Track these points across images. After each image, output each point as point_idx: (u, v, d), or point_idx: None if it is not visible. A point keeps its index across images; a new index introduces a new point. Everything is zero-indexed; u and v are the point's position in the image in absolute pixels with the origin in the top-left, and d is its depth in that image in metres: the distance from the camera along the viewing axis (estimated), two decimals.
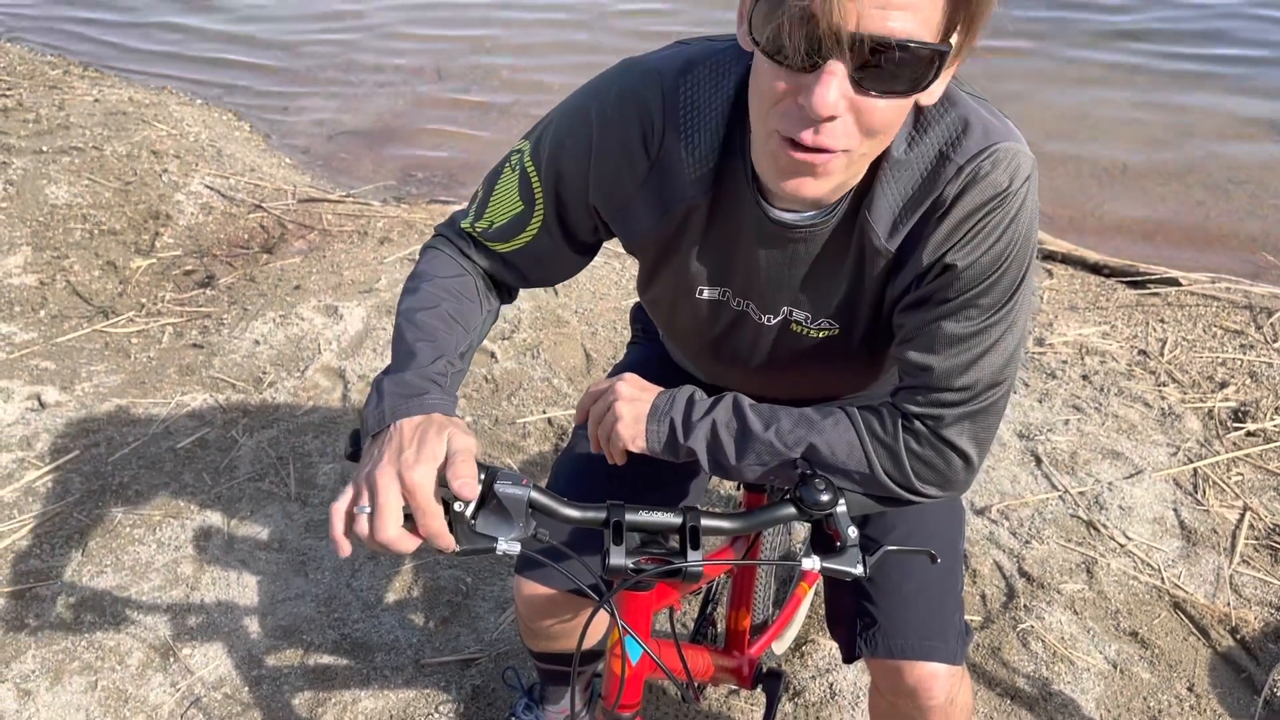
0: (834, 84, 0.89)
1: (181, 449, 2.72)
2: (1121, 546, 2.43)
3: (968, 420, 1.12)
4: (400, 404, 1.04)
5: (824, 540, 1.10)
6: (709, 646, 1.81)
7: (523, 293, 3.40)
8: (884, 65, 0.88)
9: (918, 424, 1.12)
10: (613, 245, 3.76)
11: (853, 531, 1.07)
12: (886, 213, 1.08)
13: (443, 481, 0.96)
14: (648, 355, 1.62)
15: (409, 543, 0.96)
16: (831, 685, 2.08)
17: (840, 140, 0.94)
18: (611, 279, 3.60)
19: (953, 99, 1.05)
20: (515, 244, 1.25)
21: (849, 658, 1.41)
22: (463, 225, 1.28)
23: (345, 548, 0.97)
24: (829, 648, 2.16)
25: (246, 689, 2.09)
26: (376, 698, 2.08)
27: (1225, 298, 3.45)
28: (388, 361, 1.24)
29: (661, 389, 1.20)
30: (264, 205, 4.17)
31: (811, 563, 1.06)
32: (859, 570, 1.07)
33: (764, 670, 1.77)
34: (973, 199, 1.04)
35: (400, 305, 1.21)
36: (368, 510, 0.94)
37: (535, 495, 1.02)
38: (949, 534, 1.43)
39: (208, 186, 4.26)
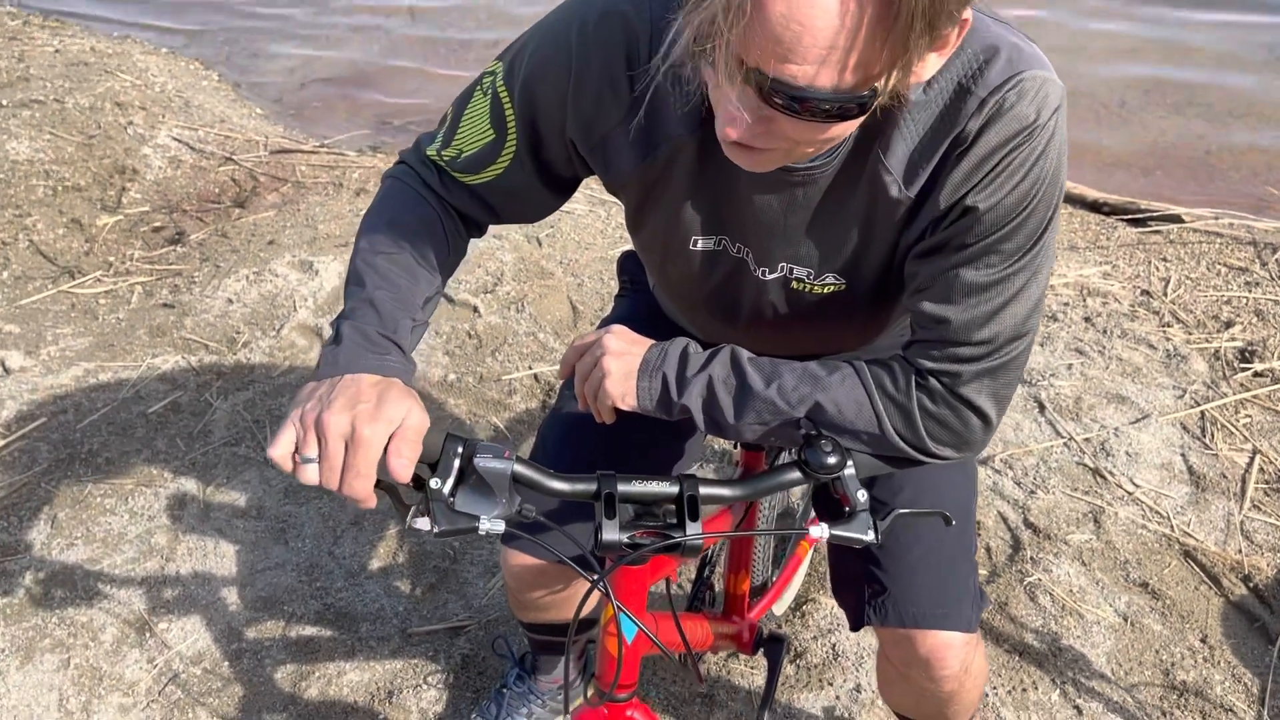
0: (741, 107, 0.82)
1: (153, 414, 2.61)
2: (1129, 494, 2.36)
3: (987, 377, 1.03)
4: (362, 356, 0.96)
5: (831, 505, 1.02)
6: (707, 613, 1.74)
7: (506, 244, 3.31)
8: (789, 105, 0.79)
9: (933, 381, 1.03)
10: (597, 192, 3.63)
11: (862, 495, 1.01)
12: (903, 158, 0.98)
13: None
14: (637, 307, 1.52)
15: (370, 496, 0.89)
16: (834, 646, 2.01)
17: (767, 142, 0.86)
18: (596, 228, 3.48)
19: (975, 27, 0.93)
20: (485, 176, 1.14)
21: (856, 625, 1.33)
22: (428, 152, 1.17)
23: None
24: (831, 607, 2.09)
25: (226, 663, 2.01)
26: (362, 669, 2.00)
27: (1229, 234, 3.36)
28: None
29: (653, 342, 1.11)
30: (235, 157, 4.02)
31: (819, 531, 0.99)
32: (870, 537, 1.00)
33: (765, 635, 1.70)
34: (996, 134, 0.93)
35: (359, 242, 1.10)
36: (313, 459, 0.88)
37: (519, 468, 0.94)
38: (961, 494, 1.34)
39: (175, 139, 4.10)
